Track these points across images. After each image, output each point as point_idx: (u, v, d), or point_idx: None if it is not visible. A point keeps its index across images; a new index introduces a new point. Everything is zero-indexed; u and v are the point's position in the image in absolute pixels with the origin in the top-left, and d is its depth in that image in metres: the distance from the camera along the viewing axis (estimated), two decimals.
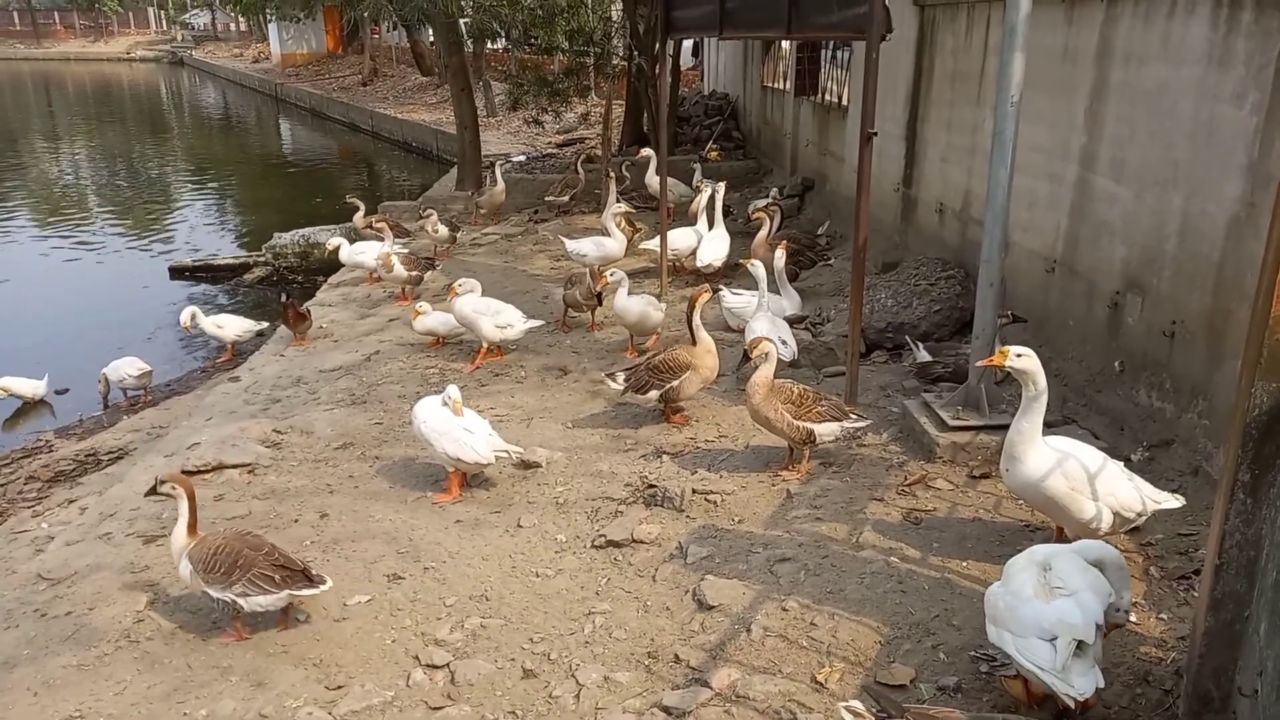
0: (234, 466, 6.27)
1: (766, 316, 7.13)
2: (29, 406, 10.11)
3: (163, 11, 76.45)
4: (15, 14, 74.81)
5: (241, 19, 63.25)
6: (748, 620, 4.13)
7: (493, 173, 14.36)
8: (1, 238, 18.52)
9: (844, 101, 11.64)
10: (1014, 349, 4.19)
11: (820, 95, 12.82)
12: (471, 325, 7.94)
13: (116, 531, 5.46)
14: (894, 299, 7.57)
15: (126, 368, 9.77)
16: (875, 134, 5.81)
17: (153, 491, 4.50)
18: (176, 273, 15.28)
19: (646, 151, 13.32)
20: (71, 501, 6.58)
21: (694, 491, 5.34)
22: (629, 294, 7.91)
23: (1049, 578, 3.30)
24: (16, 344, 11.97)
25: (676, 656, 3.99)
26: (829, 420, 5.38)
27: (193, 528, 4.37)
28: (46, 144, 32.55)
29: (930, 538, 4.68)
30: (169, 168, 28.34)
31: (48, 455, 8.43)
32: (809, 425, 5.34)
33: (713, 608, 4.26)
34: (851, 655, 3.86)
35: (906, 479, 5.27)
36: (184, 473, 6.19)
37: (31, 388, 10.04)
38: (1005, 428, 4.41)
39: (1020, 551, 3.57)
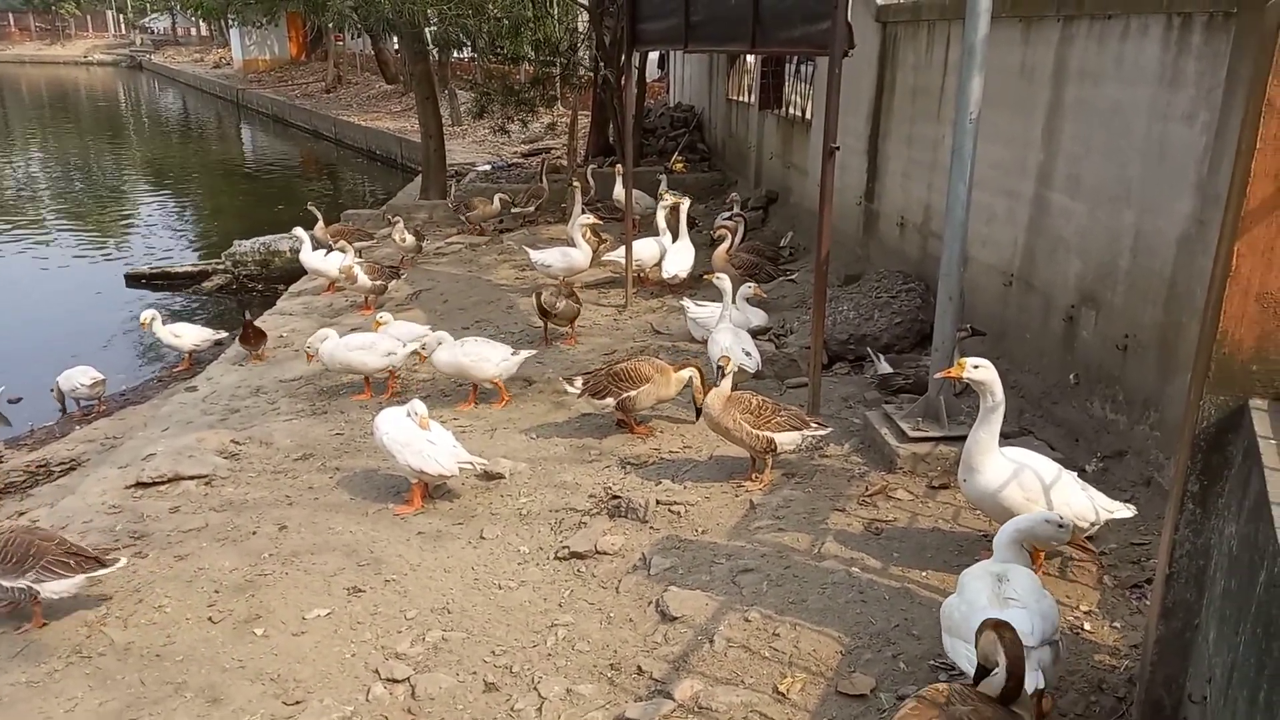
0: (191, 478, 6.17)
1: (730, 328, 7.16)
2: None
3: (121, 15, 75.22)
4: None
5: (203, 24, 62.47)
6: (711, 631, 4.13)
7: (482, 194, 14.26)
8: None
9: (807, 115, 11.77)
10: (971, 360, 4.26)
11: (784, 109, 12.95)
12: (350, 366, 7.60)
13: None
14: (856, 311, 7.65)
15: (79, 377, 9.55)
16: (838, 148, 5.87)
17: None
18: (133, 280, 15.02)
19: (617, 168, 13.36)
20: (22, 514, 6.40)
21: (658, 502, 5.34)
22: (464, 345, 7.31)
23: (1004, 589, 3.34)
24: None
25: (639, 668, 3.98)
26: (789, 430, 5.41)
27: None
28: None
29: (891, 548, 4.73)
30: (126, 174, 27.86)
31: None
32: (769, 434, 5.37)
33: (676, 619, 4.26)
34: (813, 665, 3.88)
35: (868, 489, 5.32)
36: (139, 484, 6.09)
37: None
38: (964, 439, 4.48)
39: (977, 562, 3.63)
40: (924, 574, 4.49)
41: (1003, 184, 6.66)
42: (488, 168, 19.02)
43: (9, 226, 19.70)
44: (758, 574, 4.54)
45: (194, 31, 70.16)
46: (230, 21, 43.57)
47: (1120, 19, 5.37)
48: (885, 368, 6.69)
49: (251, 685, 4.03)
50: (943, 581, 4.40)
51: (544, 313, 8.61)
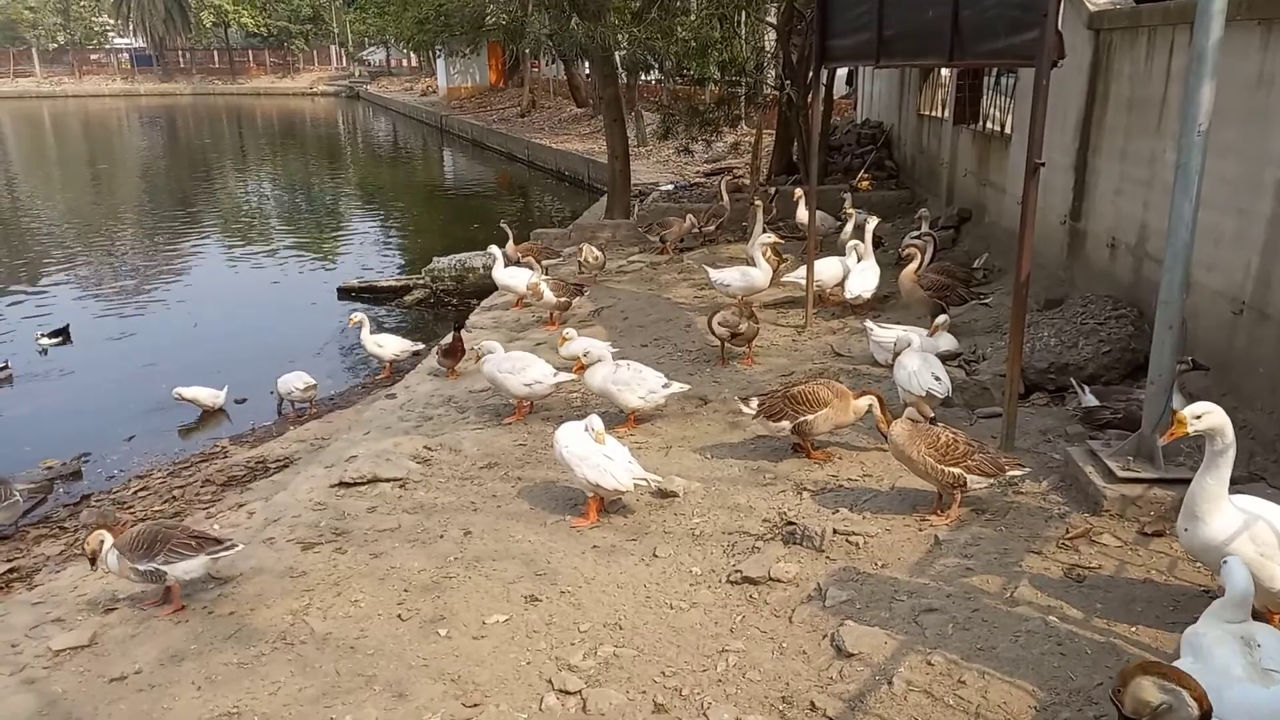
0: (387, 480, 6.54)
1: (918, 352, 6.86)
2: (209, 415, 10.92)
3: (343, 49, 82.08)
4: (216, 53, 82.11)
5: (413, 55, 67.15)
6: (889, 672, 3.93)
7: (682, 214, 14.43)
8: (194, 256, 20.25)
9: (1007, 130, 11.17)
10: (1191, 411, 3.81)
11: (981, 123, 12.36)
12: (499, 385, 7.77)
13: (279, 537, 5.78)
14: (1058, 338, 7.14)
15: (294, 381, 10.42)
16: (1043, 164, 5.52)
17: (94, 563, 5.07)
18: (344, 293, 16.24)
19: (797, 192, 13.18)
20: (241, 505, 7.01)
21: (835, 531, 5.16)
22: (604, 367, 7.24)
23: (1258, 656, 2.94)
24: (203, 355, 12.99)
25: (812, 704, 3.84)
26: (980, 474, 5.09)
27: (116, 534, 5.07)
28: (236, 172, 35.47)
29: (1094, 598, 4.35)
30: (342, 194, 30.34)
31: (222, 461, 9.06)
32: (957, 470, 5.08)
33: (852, 655, 4.09)
34: (1003, 719, 3.61)
35: (1068, 532, 4.92)
36: (342, 484, 6.53)
37: (211, 397, 10.84)
38: (1183, 482, 4.07)
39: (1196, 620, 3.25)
40: (1133, 629, 4.09)
41: (1233, 202, 6.03)
42: (670, 187, 19.30)
43: (242, 242, 21.87)
44: (942, 615, 4.29)
45: (405, 62, 75.56)
46: (437, 52, 46.58)
47: None
48: (1090, 400, 6.19)
49: (434, 684, 4.19)
50: (1155, 639, 4.00)
51: (733, 333, 8.53)
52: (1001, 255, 10.65)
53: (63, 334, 13.51)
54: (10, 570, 6.88)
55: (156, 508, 7.93)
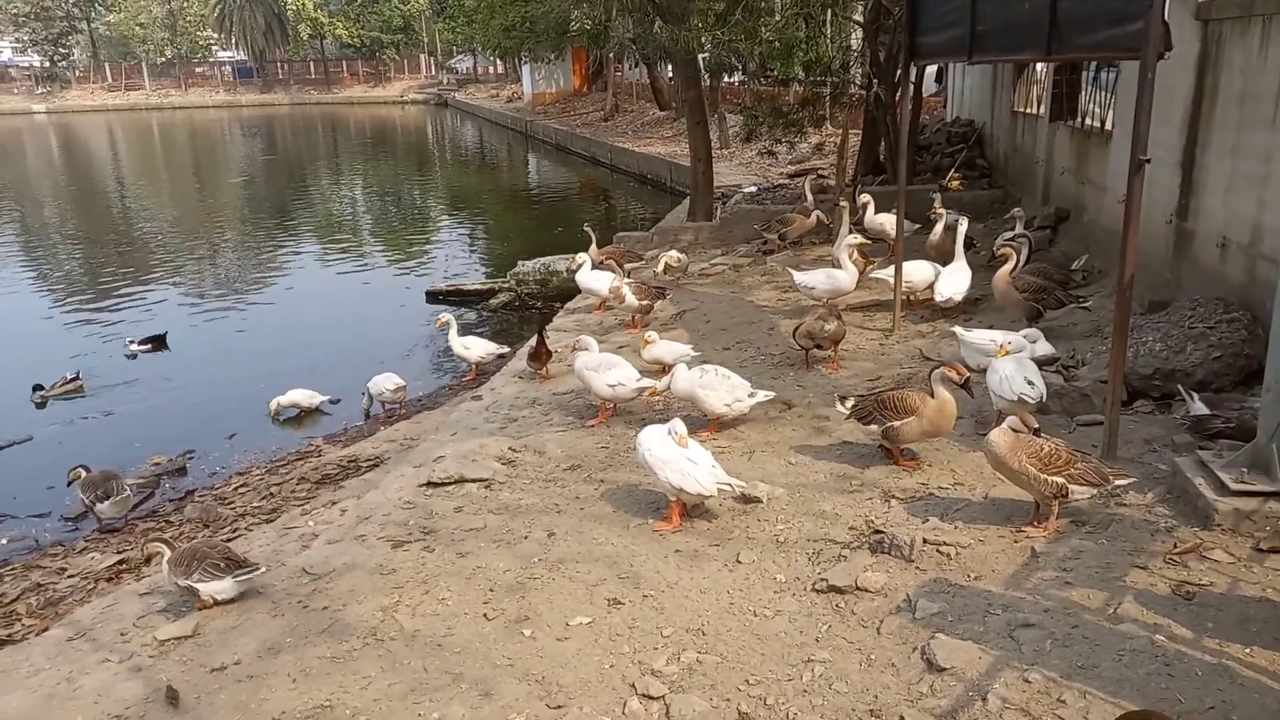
0: (473, 481, 6.64)
1: (1014, 357, 6.62)
2: (305, 414, 11.27)
3: (432, 57, 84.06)
4: (312, 64, 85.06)
5: (499, 62, 68.36)
6: (983, 688, 3.80)
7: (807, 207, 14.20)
8: (289, 261, 20.99)
9: (1107, 126, 10.74)
10: None
11: (1079, 119, 11.91)
12: (586, 382, 7.83)
13: (370, 534, 5.92)
14: (1163, 343, 6.82)
15: (385, 382, 10.68)
16: (1148, 161, 5.27)
17: (148, 560, 5.57)
18: (432, 296, 16.58)
19: (864, 197, 12.88)
20: (334, 503, 7.22)
21: (924, 541, 5.03)
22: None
23: None
24: (298, 357, 13.43)
25: (902, 718, 3.74)
26: (1083, 484, 4.89)
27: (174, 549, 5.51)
28: (330, 178, 36.65)
29: (1205, 616, 4.13)
30: (430, 199, 31.07)
31: (317, 459, 9.34)
32: (1060, 480, 4.88)
33: (943, 670, 3.96)
34: None
35: (1176, 546, 4.69)
36: (430, 484, 6.65)
37: (308, 398, 11.20)
38: None
39: None
40: (1248, 650, 3.87)
41: None
42: (753, 189, 19.15)
43: (334, 246, 22.57)
44: (1040, 630, 4.12)
45: (492, 70, 76.95)
46: (523, 59, 47.30)
47: None
48: (1200, 408, 5.89)
49: (518, 684, 4.23)
50: (1272, 662, 3.77)
51: (812, 341, 8.41)
52: (1101, 256, 10.24)
53: (156, 341, 14.01)
54: (120, 562, 7.22)
55: (255, 503, 8.23)
